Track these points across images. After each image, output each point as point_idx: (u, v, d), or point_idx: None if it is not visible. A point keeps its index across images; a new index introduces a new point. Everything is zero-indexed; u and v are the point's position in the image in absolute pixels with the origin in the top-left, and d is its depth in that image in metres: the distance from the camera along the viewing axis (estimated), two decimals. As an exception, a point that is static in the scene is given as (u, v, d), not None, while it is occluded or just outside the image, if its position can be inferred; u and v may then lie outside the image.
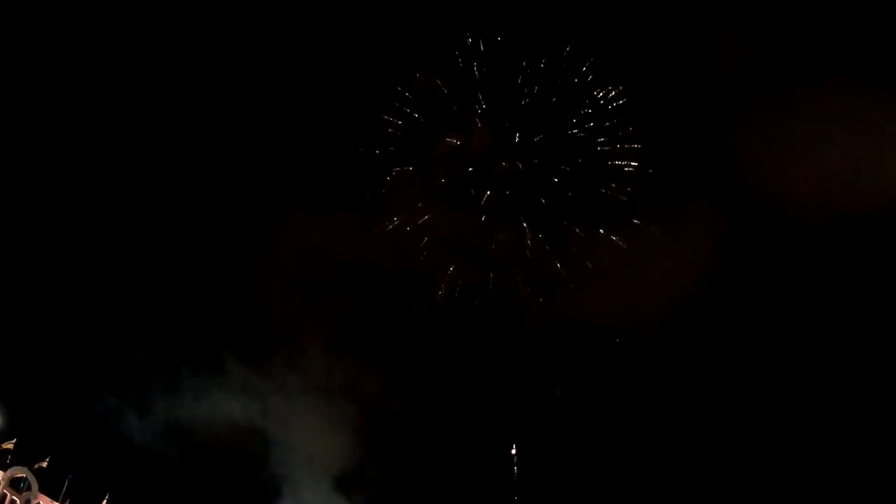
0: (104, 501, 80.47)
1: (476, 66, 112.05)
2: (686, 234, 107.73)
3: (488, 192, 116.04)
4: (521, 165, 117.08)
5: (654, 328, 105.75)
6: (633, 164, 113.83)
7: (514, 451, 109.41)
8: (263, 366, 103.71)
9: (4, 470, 70.66)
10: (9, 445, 71.59)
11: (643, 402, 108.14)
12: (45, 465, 74.71)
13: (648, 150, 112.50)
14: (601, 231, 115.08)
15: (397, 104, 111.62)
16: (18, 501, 71.21)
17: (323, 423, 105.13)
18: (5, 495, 70.17)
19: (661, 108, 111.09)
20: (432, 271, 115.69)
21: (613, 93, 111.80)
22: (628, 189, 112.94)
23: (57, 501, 75.54)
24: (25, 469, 72.61)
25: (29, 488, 72.47)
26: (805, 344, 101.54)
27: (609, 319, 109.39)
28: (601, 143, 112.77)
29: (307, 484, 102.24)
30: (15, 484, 71.71)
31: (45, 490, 74.40)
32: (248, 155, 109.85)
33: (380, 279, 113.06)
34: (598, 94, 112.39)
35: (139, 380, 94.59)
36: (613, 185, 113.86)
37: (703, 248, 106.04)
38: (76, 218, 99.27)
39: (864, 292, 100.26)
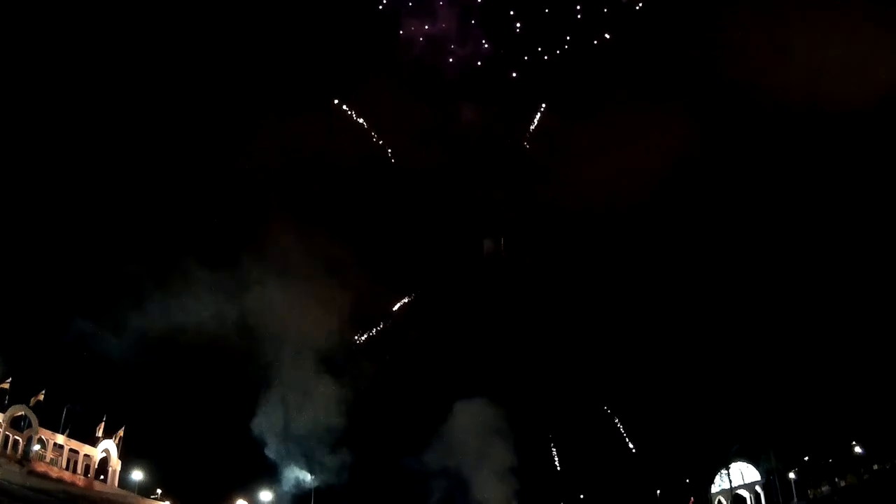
0: (101, 424, 78.01)
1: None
2: (662, 118, 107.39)
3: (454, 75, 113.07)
4: (487, 45, 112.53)
5: (627, 209, 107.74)
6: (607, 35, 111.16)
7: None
8: (238, 261, 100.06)
9: (3, 410, 66.32)
10: (4, 385, 66.95)
11: (612, 280, 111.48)
12: (41, 398, 70.98)
13: (628, 34, 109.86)
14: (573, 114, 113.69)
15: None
16: (21, 440, 67.71)
17: (303, 306, 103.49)
18: (7, 436, 66.43)
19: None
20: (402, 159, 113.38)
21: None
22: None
23: (57, 433, 72.45)
24: (24, 406, 69.50)
25: (30, 425, 68.99)
26: (771, 220, 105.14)
27: (582, 201, 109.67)
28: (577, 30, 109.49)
29: (294, 369, 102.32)
30: (15, 423, 67.85)
31: (45, 423, 71.06)
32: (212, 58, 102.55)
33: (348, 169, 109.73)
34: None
35: (121, 295, 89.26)
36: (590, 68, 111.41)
37: (678, 133, 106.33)
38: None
39: (830, 178, 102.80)
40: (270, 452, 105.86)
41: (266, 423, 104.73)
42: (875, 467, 71.07)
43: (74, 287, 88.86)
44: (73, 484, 71.32)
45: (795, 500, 79.96)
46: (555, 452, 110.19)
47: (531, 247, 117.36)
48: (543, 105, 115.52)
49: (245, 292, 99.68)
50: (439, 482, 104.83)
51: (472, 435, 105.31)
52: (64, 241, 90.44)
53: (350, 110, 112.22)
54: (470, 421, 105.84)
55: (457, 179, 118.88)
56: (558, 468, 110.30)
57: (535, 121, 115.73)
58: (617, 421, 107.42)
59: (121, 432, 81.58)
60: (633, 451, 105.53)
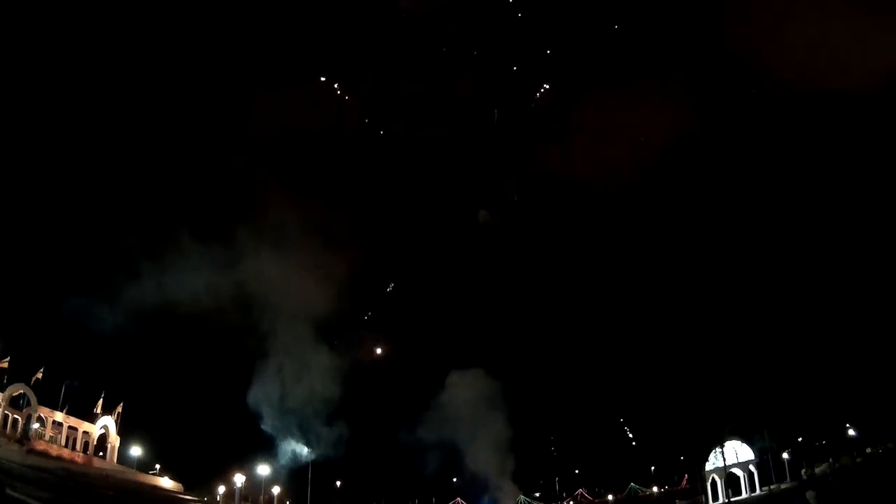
0: (100, 401, 78.06)
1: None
2: (664, 93, 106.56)
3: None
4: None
5: (628, 182, 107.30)
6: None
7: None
8: (233, 233, 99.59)
9: (2, 389, 66.25)
10: (3, 364, 66.74)
11: (610, 255, 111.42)
12: (40, 376, 70.86)
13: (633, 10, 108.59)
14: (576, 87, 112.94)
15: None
16: (20, 419, 67.79)
17: (299, 277, 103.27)
18: (7, 415, 66.48)
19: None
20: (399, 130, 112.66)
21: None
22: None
23: (56, 410, 72.51)
24: (23, 385, 69.35)
25: (29, 403, 69.03)
26: (770, 200, 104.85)
27: (583, 173, 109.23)
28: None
29: (291, 339, 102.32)
30: (14, 402, 67.85)
31: (44, 401, 71.11)
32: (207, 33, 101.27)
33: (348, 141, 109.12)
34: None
35: (117, 270, 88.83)
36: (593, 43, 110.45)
37: (680, 109, 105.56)
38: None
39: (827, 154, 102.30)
40: (267, 426, 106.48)
41: (263, 395, 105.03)
42: (868, 450, 71.69)
43: (70, 263, 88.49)
44: (72, 461, 71.59)
45: (788, 479, 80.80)
46: (550, 427, 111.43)
47: (527, 217, 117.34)
48: (545, 83, 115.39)
49: (241, 264, 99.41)
50: (435, 454, 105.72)
51: (468, 405, 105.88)
52: (58, 216, 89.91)
53: (344, 84, 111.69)
54: (465, 391, 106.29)
55: (454, 150, 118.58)
56: (553, 443, 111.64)
57: (538, 94, 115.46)
58: (612, 397, 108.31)
59: (119, 408, 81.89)
60: (628, 428, 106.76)
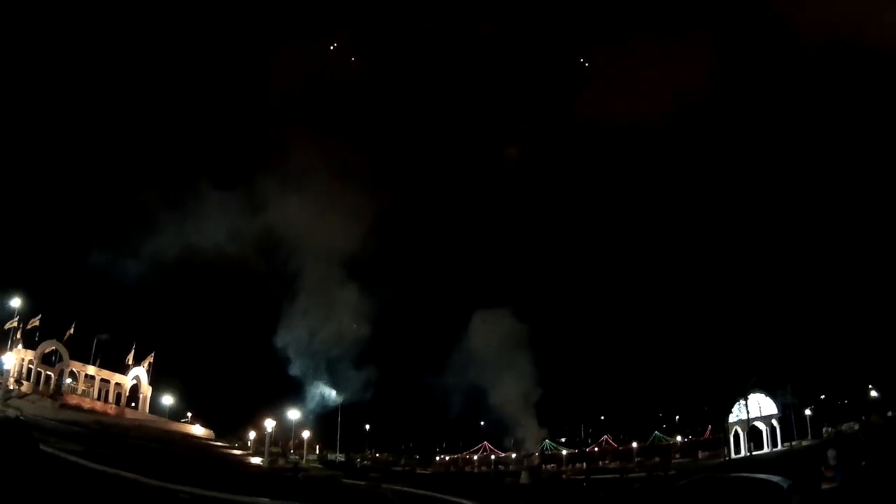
0: (131, 353, 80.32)
1: None
2: (691, 47, 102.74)
3: None
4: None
5: (654, 131, 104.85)
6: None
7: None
8: (255, 177, 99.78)
9: (35, 347, 68.75)
10: (35, 323, 69.01)
11: (638, 203, 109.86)
12: (71, 331, 73.10)
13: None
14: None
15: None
16: (53, 375, 70.41)
17: (325, 216, 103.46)
18: (40, 372, 69.13)
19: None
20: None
21: None
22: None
23: (88, 364, 74.98)
24: (54, 341, 71.55)
25: (61, 359, 71.51)
26: (799, 152, 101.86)
27: (609, 121, 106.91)
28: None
29: (317, 279, 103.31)
30: (46, 358, 70.36)
31: (75, 355, 73.54)
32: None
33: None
34: None
35: (141, 220, 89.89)
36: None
37: (706, 63, 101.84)
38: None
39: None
40: (295, 370, 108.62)
41: (291, 340, 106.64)
42: (889, 413, 70.73)
43: (96, 216, 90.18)
44: (104, 413, 74.20)
45: (810, 437, 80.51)
46: (577, 374, 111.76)
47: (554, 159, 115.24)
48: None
49: (266, 208, 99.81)
50: (462, 398, 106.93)
51: (494, 347, 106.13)
52: (83, 168, 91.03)
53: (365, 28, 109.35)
54: (492, 333, 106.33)
55: (479, 89, 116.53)
56: (580, 389, 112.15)
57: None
58: (640, 346, 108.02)
59: (150, 359, 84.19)
60: (654, 376, 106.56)
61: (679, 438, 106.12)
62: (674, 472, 71.02)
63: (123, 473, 41.54)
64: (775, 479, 40.92)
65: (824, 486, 23.37)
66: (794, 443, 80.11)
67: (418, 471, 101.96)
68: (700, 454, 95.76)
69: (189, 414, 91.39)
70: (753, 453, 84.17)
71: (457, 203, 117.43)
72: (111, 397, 78.16)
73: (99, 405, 75.10)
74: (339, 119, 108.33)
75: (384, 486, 62.01)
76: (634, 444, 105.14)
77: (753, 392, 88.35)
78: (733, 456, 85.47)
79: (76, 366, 74.21)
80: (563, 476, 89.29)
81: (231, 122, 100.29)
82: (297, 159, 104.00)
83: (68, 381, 72.78)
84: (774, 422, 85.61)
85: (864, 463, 31.84)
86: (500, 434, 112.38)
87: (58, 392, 70.01)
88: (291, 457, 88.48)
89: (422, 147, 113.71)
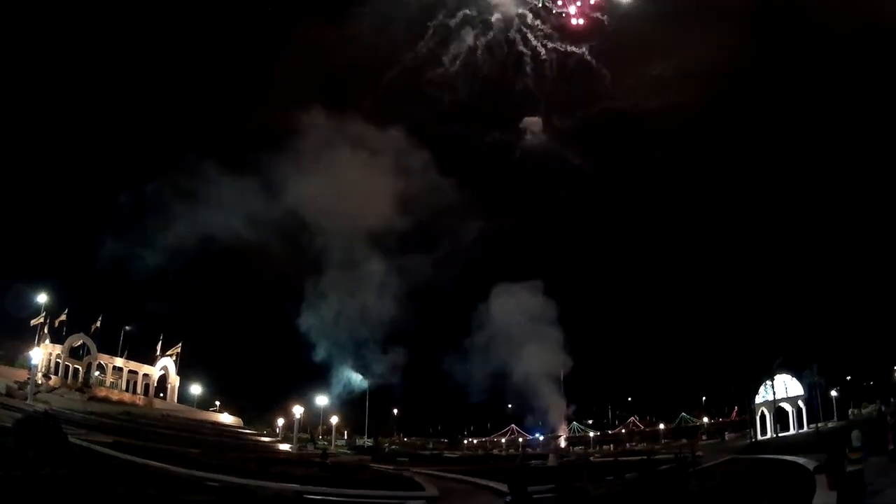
0: (158, 344, 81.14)
1: None
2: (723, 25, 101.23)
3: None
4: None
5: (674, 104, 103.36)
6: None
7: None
8: (275, 157, 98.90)
9: (62, 342, 69.80)
10: (62, 318, 70.08)
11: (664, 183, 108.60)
12: (98, 325, 74.14)
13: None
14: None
15: None
16: (81, 368, 71.45)
17: (350, 193, 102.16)
18: (68, 366, 70.22)
19: None
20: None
21: None
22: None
23: (116, 356, 76.00)
24: (81, 335, 72.48)
25: (89, 352, 72.50)
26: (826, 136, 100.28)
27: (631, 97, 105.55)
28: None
29: (343, 260, 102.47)
30: (74, 352, 71.40)
31: (103, 348, 74.50)
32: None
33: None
34: None
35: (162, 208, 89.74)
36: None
37: (737, 42, 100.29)
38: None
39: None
40: (322, 356, 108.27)
41: (317, 325, 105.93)
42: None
43: (115, 207, 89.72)
44: (133, 404, 75.30)
45: (835, 418, 79.85)
46: (605, 354, 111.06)
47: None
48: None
49: (285, 188, 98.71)
50: (489, 380, 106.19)
51: (521, 326, 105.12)
52: (102, 156, 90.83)
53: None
54: (520, 309, 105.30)
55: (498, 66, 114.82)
56: (607, 370, 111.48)
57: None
58: (667, 326, 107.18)
59: (177, 349, 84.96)
60: (681, 357, 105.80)
61: (706, 419, 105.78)
62: (700, 453, 70.76)
63: (152, 463, 42.12)
64: (801, 460, 40.66)
65: (849, 468, 23.13)
66: (819, 424, 79.47)
67: (446, 454, 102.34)
68: (727, 435, 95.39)
69: (217, 403, 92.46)
70: (779, 434, 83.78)
71: (487, 179, 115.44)
72: (139, 388, 79.29)
73: (127, 396, 76.21)
74: (360, 94, 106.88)
75: (412, 469, 62.36)
76: (661, 426, 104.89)
77: (779, 372, 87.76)
78: (759, 437, 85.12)
79: (104, 358, 75.32)
80: (591, 458, 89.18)
81: (245, 103, 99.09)
82: (318, 137, 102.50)
83: (96, 373, 73.93)
84: (801, 403, 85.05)
85: (892, 447, 31.48)
86: (526, 417, 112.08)
87: (86, 385, 71.18)
88: (320, 442, 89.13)
89: (452, 121, 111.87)
